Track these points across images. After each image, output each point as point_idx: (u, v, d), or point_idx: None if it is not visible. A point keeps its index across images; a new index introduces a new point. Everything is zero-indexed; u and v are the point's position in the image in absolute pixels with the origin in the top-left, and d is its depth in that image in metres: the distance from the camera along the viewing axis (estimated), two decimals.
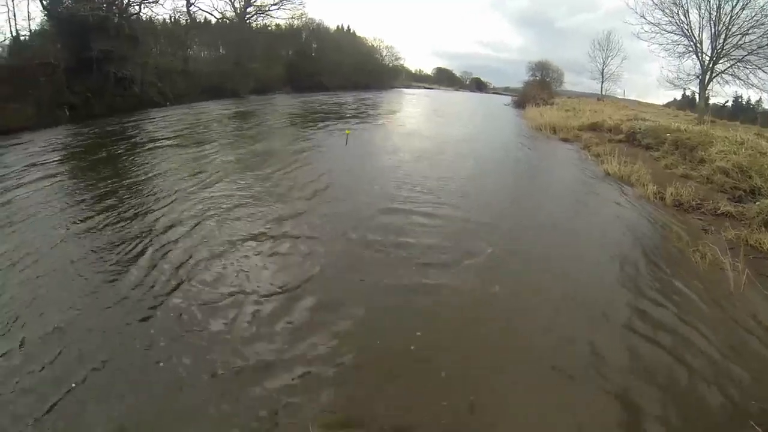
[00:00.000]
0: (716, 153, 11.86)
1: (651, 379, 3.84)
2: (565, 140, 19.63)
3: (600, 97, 45.14)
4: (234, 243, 6.07)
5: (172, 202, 7.75)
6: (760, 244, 6.95)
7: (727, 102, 37.58)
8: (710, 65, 25.07)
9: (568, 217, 8.48)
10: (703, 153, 12.34)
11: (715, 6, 24.05)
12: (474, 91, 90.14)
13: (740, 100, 45.95)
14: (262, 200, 7.90)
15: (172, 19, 34.09)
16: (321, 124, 18.41)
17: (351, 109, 26.83)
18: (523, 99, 42.84)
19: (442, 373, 3.78)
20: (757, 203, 8.79)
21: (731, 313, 4.98)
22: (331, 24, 56.84)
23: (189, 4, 33.95)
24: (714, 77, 25.22)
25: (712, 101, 26.65)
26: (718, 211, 8.70)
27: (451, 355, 4.01)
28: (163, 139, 14.02)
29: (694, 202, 9.27)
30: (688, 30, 25.45)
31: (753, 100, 46.85)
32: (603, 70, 46.34)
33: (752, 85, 24.10)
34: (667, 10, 25.65)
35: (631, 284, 5.63)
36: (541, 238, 7.14)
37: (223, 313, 4.43)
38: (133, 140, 13.65)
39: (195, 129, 16.50)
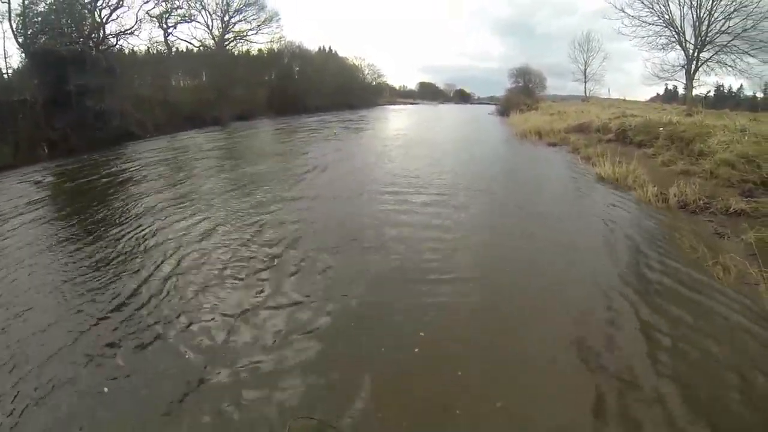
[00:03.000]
0: (717, 144, 11.04)
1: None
2: (552, 144, 18.91)
3: (584, 98, 44.99)
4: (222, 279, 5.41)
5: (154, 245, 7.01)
6: None
7: (709, 92, 37.41)
8: (695, 54, 24.75)
9: (558, 233, 7.40)
10: (701, 145, 11.51)
11: None
12: (458, 103, 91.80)
13: (722, 89, 46.32)
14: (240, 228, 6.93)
15: (150, 50, 34.23)
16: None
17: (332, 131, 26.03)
18: (506, 106, 43.00)
19: None
20: None
21: None
22: (313, 46, 57.99)
23: (167, 35, 34.19)
24: (700, 66, 24.93)
25: (694, 92, 26.28)
26: (730, 210, 7.80)
27: None
28: (138, 173, 13.54)
29: (701, 202, 8.36)
30: (669, 20, 25.17)
31: (734, 88, 47.42)
32: (585, 70, 46.38)
33: (740, 71, 23.75)
34: (646, 1, 25.41)
35: (648, 312, 4.63)
36: (532, 261, 6.16)
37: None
38: (108, 177, 13.09)
39: (171, 162, 15.85)
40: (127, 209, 9.24)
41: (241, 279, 5.60)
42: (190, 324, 4.57)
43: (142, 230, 7.73)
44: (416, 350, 4.08)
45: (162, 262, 6.19)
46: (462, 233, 7.41)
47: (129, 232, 7.65)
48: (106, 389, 3.62)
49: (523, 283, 5.52)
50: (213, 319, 4.66)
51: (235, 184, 11.22)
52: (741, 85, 47.51)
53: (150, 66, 32.94)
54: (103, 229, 7.94)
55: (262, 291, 5.26)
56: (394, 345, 4.12)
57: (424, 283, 5.40)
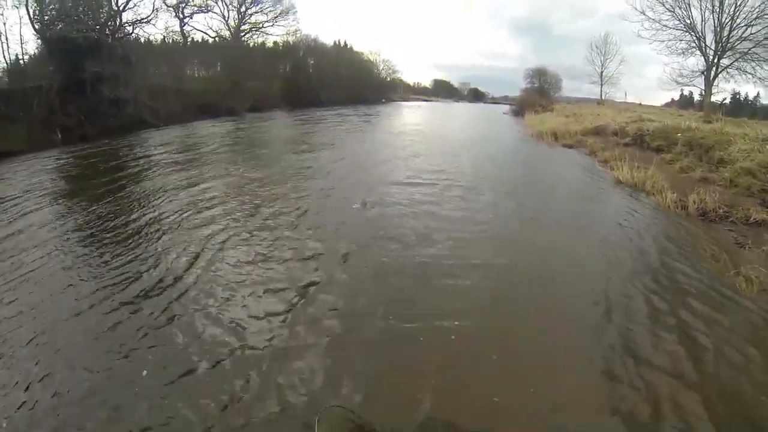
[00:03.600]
0: (737, 152, 11.05)
1: None
2: (568, 146, 18.88)
3: (600, 101, 45.01)
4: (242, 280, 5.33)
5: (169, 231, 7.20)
6: None
7: (725, 99, 37.29)
8: (715, 60, 24.68)
9: (579, 237, 7.44)
10: (721, 153, 11.51)
11: None
12: (472, 102, 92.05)
13: (738, 96, 46.28)
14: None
15: (166, 40, 34.62)
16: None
17: (347, 128, 26.02)
18: (521, 107, 43.01)
19: None
20: None
21: None
22: (328, 40, 58.24)
23: (182, 24, 34.50)
24: (719, 72, 24.81)
25: (712, 99, 26.48)
26: (750, 220, 7.84)
27: None
28: (152, 161, 13.72)
29: (720, 211, 8.38)
30: (690, 24, 25.18)
31: (751, 96, 47.43)
32: (602, 73, 46.73)
33: (760, 79, 23.65)
34: (668, 5, 25.44)
35: (672, 320, 4.67)
36: (551, 264, 6.21)
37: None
38: (123, 164, 13.25)
39: (186, 150, 16.05)
40: (146, 196, 9.41)
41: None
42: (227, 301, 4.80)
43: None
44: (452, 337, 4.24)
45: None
46: (480, 228, 7.56)
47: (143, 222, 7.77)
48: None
49: (538, 284, 5.58)
50: (246, 305, 4.79)
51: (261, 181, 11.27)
52: (758, 93, 47.42)
53: (165, 55, 33.52)
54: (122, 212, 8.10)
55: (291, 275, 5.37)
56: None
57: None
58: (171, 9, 32.91)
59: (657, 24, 26.34)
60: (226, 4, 39.69)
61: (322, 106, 42.37)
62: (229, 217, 7.79)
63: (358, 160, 13.86)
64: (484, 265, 5.99)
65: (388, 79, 71.99)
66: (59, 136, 18.00)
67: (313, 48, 51.13)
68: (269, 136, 21.54)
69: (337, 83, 48.67)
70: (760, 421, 3.29)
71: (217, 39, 39.84)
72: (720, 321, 4.67)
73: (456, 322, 4.50)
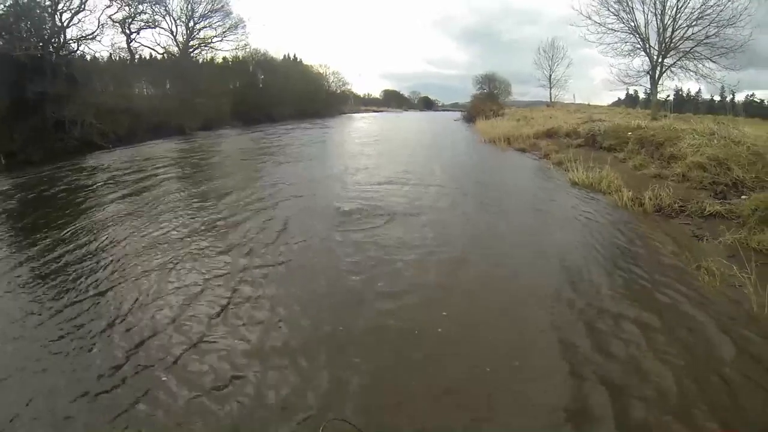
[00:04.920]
0: (687, 147, 11.58)
1: None
2: (521, 150, 19.44)
3: (549, 103, 47.09)
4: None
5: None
6: (763, 246, 6.35)
7: (669, 96, 39.64)
8: (659, 60, 26.52)
9: (536, 242, 7.58)
10: (672, 149, 12.07)
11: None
12: (423, 110, 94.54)
13: (681, 92, 49.42)
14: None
15: (113, 57, 33.97)
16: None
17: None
18: (472, 113, 44.47)
19: None
20: (744, 197, 8.40)
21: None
22: (278, 53, 58.95)
23: (129, 40, 33.92)
24: (664, 71, 26.55)
25: (658, 96, 28.57)
26: (705, 212, 8.18)
27: None
28: (94, 189, 13.00)
29: (676, 205, 8.77)
30: (634, 27, 26.90)
31: (692, 92, 50.92)
32: (550, 76, 49.11)
33: (703, 76, 25.50)
34: (613, 9, 27.05)
35: (636, 316, 4.75)
36: (510, 268, 6.26)
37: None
38: (65, 192, 12.58)
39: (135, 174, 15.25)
40: (85, 224, 8.95)
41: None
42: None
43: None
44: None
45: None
46: (435, 235, 7.54)
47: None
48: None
49: (496, 290, 5.62)
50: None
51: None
52: (699, 90, 50.92)
53: (113, 73, 32.70)
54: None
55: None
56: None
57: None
58: (117, 25, 32.18)
59: (602, 27, 27.81)
60: (174, 19, 39.27)
61: (274, 122, 42.59)
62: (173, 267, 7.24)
63: (321, 176, 13.77)
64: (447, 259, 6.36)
65: (339, 91, 73.33)
66: (2, 161, 17.35)
67: (263, 63, 51.41)
68: (218, 158, 20.77)
69: (289, 98, 49.00)
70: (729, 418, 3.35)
71: (165, 55, 39.23)
72: (688, 314, 4.81)
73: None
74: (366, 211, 9.29)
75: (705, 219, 8.00)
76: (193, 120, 32.96)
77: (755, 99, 53.12)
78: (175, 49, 40.12)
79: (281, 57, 59.53)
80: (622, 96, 51.64)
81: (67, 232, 8.58)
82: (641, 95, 44.12)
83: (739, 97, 50.63)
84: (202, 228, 8.46)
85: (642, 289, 5.49)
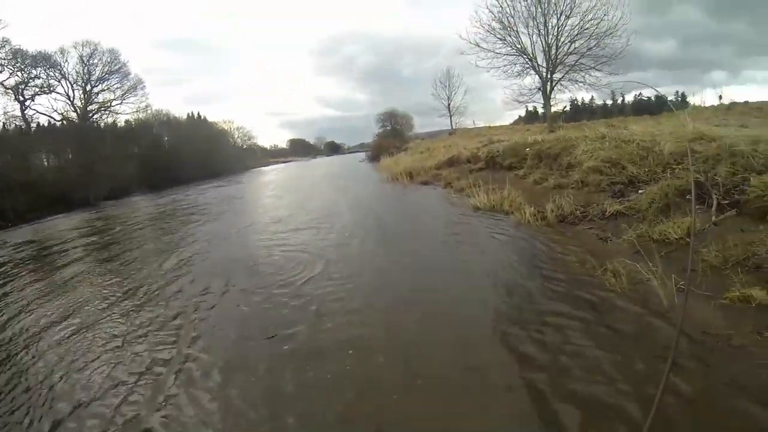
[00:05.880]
0: (582, 154, 11.78)
1: None
2: (425, 183, 19.47)
3: (451, 131, 48.96)
4: None
5: None
6: (665, 236, 6.27)
7: (565, 107, 42.52)
8: (548, 76, 28.99)
9: (440, 271, 7.16)
10: (568, 158, 12.26)
11: (542, 21, 27.98)
12: (330, 155, 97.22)
13: (576, 102, 53.76)
14: None
15: (6, 126, 31.62)
16: None
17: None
18: (376, 152, 45.47)
19: None
20: (641, 191, 8.45)
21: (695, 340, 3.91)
22: (181, 113, 57.59)
23: (24, 108, 31.84)
24: (554, 86, 28.98)
25: (552, 110, 31.38)
26: (607, 213, 8.15)
27: None
28: None
29: (578, 212, 8.76)
30: (521, 48, 29.24)
31: (587, 100, 55.78)
32: (449, 105, 51.48)
33: (590, 85, 28.26)
34: (499, 35, 29.20)
35: (540, 331, 4.47)
36: (412, 302, 5.77)
37: None
38: None
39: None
40: None
41: None
42: None
43: None
44: None
45: None
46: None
47: None
48: None
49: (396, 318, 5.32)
50: None
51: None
52: (592, 97, 56.08)
53: (7, 144, 30.57)
54: None
55: None
56: None
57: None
58: (9, 91, 30.09)
59: (491, 53, 29.82)
60: (70, 83, 37.43)
61: (182, 184, 41.09)
62: None
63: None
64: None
65: (245, 146, 73.71)
66: None
67: (166, 123, 50.05)
68: (123, 237, 19.00)
69: (195, 157, 47.61)
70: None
71: (64, 122, 37.05)
72: (593, 321, 4.62)
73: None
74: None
75: (607, 220, 7.95)
76: (98, 189, 31.27)
77: (643, 97, 58.47)
78: (74, 114, 38.46)
79: (185, 116, 58.84)
80: (523, 113, 54.86)
81: None
82: (540, 110, 47.25)
83: (629, 98, 56.03)
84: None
85: (546, 303, 5.25)
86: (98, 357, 5.59)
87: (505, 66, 29.80)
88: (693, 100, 37.64)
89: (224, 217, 18.02)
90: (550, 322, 4.73)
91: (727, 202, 6.60)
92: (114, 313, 7.30)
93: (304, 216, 14.78)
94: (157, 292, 8.07)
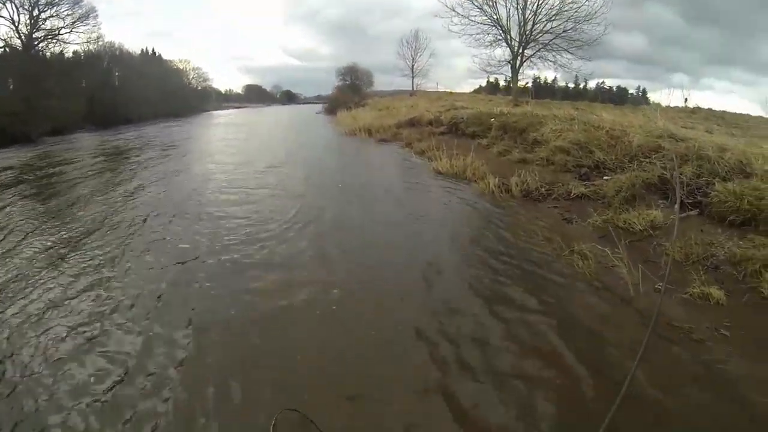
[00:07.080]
0: (550, 132, 11.97)
1: None
2: (383, 141, 19.29)
3: (412, 92, 49.60)
4: None
5: None
6: (629, 225, 6.49)
7: (528, 83, 43.15)
8: (520, 50, 29.36)
9: (399, 235, 7.18)
10: (535, 134, 12.42)
11: None
12: (285, 104, 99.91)
13: (538, 80, 54.89)
14: None
15: None
16: None
17: None
18: (334, 105, 45.21)
19: None
20: (606, 177, 8.67)
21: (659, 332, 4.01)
22: (135, 47, 54.37)
23: None
24: (524, 61, 29.48)
25: (519, 84, 31.93)
26: (572, 195, 8.35)
27: None
28: None
29: (543, 189, 8.90)
30: (497, 19, 29.49)
31: (549, 80, 56.97)
32: (413, 66, 52.58)
33: (560, 66, 28.97)
34: (477, 2, 29.37)
35: (507, 309, 4.54)
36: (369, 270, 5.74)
37: None
38: None
39: None
40: None
41: None
42: None
43: None
44: None
45: None
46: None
47: None
48: None
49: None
50: None
51: None
52: (555, 77, 57.24)
53: None
54: None
55: None
56: None
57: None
58: None
59: (466, 19, 29.87)
60: (16, 6, 33.79)
61: (132, 124, 38.76)
62: None
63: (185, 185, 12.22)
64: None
65: (200, 88, 70.50)
66: None
67: (118, 58, 46.56)
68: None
69: (147, 97, 44.90)
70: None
71: (6, 49, 33.88)
72: (567, 300, 4.73)
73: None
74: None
75: (572, 201, 8.14)
76: (39, 124, 28.85)
77: (605, 86, 59.65)
78: (18, 42, 35.05)
79: (139, 52, 55.41)
80: (484, 83, 55.43)
81: None
82: (502, 83, 48.23)
83: (591, 85, 57.57)
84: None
85: (518, 279, 5.30)
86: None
87: (477, 34, 30.06)
88: (653, 97, 39.09)
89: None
90: (515, 299, 4.80)
91: (690, 201, 6.90)
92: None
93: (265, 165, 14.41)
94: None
